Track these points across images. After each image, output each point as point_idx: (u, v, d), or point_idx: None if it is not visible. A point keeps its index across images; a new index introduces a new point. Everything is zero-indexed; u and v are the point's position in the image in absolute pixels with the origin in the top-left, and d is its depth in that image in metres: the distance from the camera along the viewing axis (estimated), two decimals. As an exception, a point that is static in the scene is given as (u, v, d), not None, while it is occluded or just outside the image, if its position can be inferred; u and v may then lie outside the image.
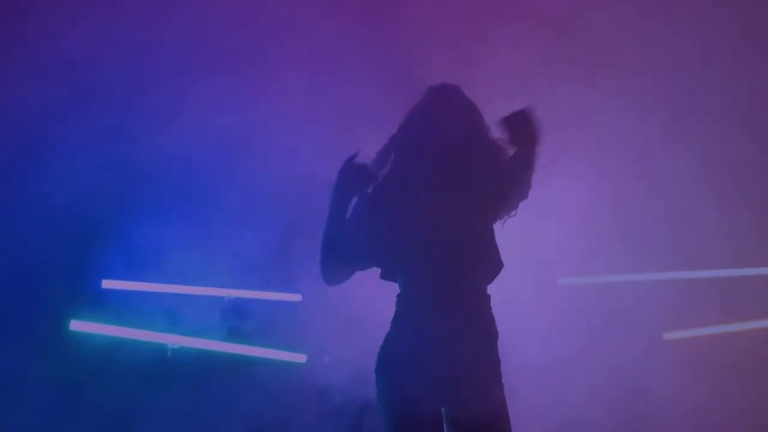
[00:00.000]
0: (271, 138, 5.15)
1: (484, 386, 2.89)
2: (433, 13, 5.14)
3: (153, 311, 5.18)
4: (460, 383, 2.88)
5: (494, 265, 3.01)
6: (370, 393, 4.93)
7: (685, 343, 5.35)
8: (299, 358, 5.30)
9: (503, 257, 3.04)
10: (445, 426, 2.93)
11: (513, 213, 3.09)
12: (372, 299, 4.89)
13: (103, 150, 4.96)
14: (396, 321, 3.01)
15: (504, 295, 3.15)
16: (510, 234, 3.10)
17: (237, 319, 5.29)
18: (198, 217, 5.05)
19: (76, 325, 5.07)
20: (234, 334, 5.30)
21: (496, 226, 3.06)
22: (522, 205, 3.09)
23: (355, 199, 3.08)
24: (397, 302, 3.03)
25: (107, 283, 5.15)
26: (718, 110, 5.15)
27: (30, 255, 5.00)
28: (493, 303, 3.02)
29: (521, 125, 3.03)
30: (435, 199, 2.97)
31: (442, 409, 2.93)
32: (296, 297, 5.36)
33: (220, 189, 5.08)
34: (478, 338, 2.92)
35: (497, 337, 2.98)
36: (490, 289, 3.02)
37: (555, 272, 5.28)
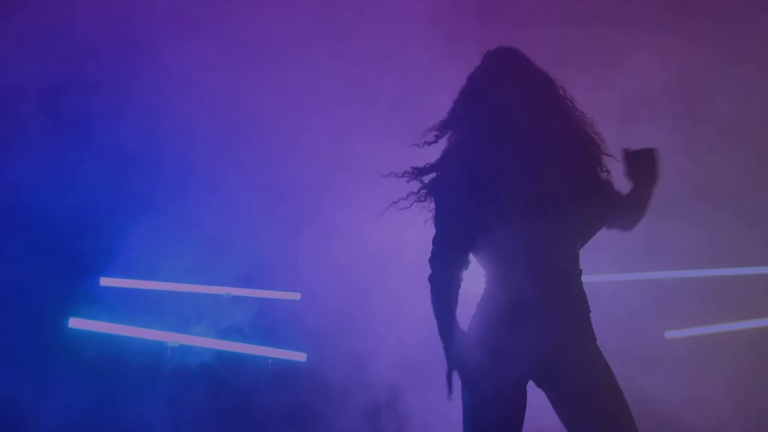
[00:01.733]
0: (271, 136, 5.14)
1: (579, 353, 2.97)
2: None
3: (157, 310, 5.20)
4: (556, 356, 2.90)
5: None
6: (369, 391, 5.01)
7: (687, 342, 5.35)
8: (299, 356, 5.30)
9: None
10: (551, 403, 2.93)
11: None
12: (371, 298, 4.90)
13: (101, 148, 4.96)
14: (488, 298, 2.93)
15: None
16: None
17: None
18: (196, 216, 5.05)
19: (75, 323, 5.08)
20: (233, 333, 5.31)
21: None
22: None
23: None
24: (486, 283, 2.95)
25: (105, 281, 5.15)
26: (719, 108, 5.13)
27: (29, 253, 5.00)
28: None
29: (644, 164, 3.01)
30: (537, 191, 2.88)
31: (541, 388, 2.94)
32: (295, 296, 5.35)
33: (219, 188, 5.08)
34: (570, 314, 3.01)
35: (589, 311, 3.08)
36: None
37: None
